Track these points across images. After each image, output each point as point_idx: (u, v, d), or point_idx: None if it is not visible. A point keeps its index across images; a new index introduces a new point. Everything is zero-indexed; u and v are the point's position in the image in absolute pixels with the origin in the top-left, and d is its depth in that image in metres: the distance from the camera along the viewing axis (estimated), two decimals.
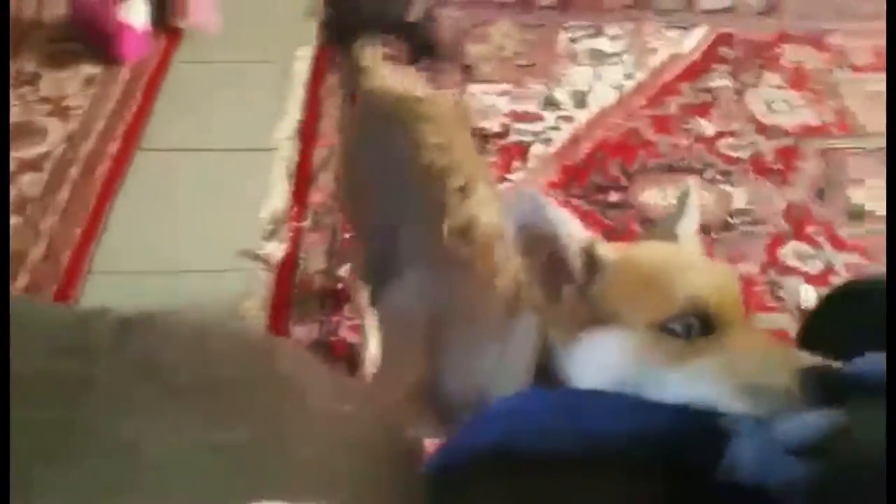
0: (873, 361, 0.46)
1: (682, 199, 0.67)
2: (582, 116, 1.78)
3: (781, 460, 0.43)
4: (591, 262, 0.57)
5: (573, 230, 0.58)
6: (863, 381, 0.46)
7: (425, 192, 0.84)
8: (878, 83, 1.95)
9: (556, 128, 1.74)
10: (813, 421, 0.44)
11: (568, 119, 1.77)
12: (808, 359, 0.49)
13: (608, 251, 0.58)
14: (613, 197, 1.57)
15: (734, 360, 0.50)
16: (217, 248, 1.39)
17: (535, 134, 1.72)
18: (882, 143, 1.74)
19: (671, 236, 0.64)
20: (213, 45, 1.86)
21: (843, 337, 0.63)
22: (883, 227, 1.52)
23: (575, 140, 1.70)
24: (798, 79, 1.94)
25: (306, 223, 1.43)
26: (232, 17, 1.88)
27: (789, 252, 1.47)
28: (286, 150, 1.60)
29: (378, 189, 0.93)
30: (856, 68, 2.00)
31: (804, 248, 1.48)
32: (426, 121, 0.92)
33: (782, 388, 0.47)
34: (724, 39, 2.07)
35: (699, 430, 0.47)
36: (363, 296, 1.14)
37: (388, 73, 1.05)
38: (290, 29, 1.94)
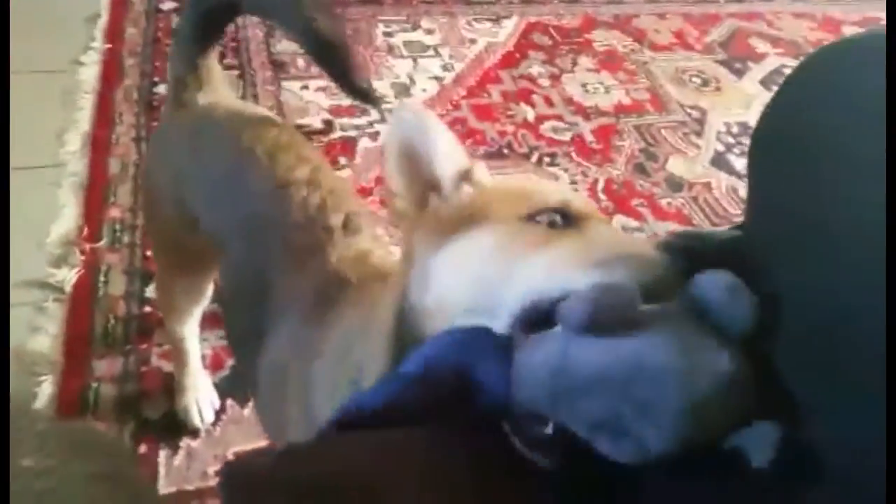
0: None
1: None
2: None
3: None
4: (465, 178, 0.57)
5: (452, 151, 0.57)
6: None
7: (300, 236, 0.73)
8: (682, 61, 2.05)
9: (382, 120, 1.67)
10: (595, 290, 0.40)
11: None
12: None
13: (485, 174, 0.57)
14: None
15: (594, 241, 0.49)
16: None
17: (360, 128, 1.64)
18: (690, 115, 1.82)
19: None
20: None
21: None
22: (701, 193, 1.58)
23: None
24: (610, 61, 2.00)
25: (102, 243, 1.26)
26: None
27: (616, 226, 1.48)
28: (75, 164, 1.41)
29: (233, 233, 0.78)
30: (660, 48, 2.10)
31: (629, 221, 1.50)
32: (285, 150, 0.79)
33: (641, 256, 0.46)
34: (536, 28, 2.10)
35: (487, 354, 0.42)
36: (180, 325, 1.01)
37: (223, 85, 0.90)
38: (72, 34, 1.74)
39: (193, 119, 0.86)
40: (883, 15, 2.48)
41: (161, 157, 0.89)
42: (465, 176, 0.56)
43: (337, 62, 0.82)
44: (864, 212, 0.40)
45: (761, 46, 2.17)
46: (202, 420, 1.03)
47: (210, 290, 0.98)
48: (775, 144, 0.52)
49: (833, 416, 0.39)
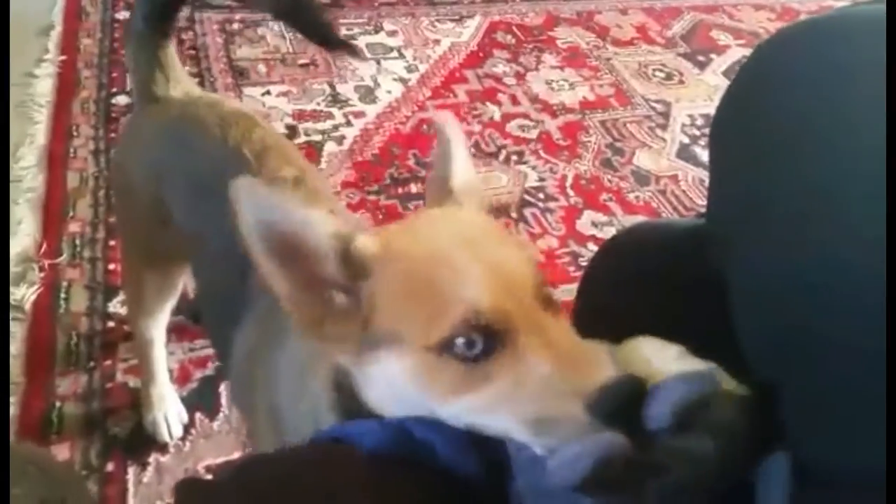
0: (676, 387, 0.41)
1: (442, 138, 0.57)
2: (371, 111, 1.71)
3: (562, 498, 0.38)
4: (350, 259, 0.47)
5: (317, 221, 0.47)
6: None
7: None
8: (645, 55, 2.06)
9: (347, 124, 1.65)
10: (586, 450, 0.39)
11: (358, 115, 1.69)
12: (605, 368, 0.42)
13: (369, 244, 0.48)
14: (414, 188, 1.51)
15: (520, 388, 0.43)
16: None
17: (325, 132, 1.62)
18: (655, 109, 1.83)
19: (446, 193, 0.55)
20: None
21: (621, 287, 0.60)
22: (668, 186, 1.59)
23: (366, 136, 1.62)
24: (573, 58, 2.01)
25: (62, 258, 1.23)
26: None
27: (586, 222, 1.48)
28: (31, 179, 1.37)
29: (214, 226, 0.73)
30: (622, 43, 2.11)
31: (598, 216, 1.50)
32: (272, 151, 0.78)
33: (570, 418, 0.41)
34: (499, 26, 2.10)
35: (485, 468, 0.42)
36: (148, 327, 0.98)
37: (186, 75, 0.89)
38: (25, 46, 1.69)
39: (171, 114, 0.85)
40: (838, 5, 2.51)
41: (135, 152, 0.88)
42: (346, 246, 0.47)
43: (310, 18, 0.82)
44: (822, 184, 0.39)
45: (723, 38, 2.19)
46: (171, 435, 1.01)
47: (179, 286, 0.96)
48: (732, 129, 0.51)
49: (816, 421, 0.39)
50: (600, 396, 0.40)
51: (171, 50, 0.88)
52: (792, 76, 0.45)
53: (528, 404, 0.42)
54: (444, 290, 0.44)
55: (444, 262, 0.45)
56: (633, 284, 0.58)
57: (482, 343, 0.43)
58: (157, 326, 1.00)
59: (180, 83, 0.88)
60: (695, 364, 0.42)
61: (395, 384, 0.46)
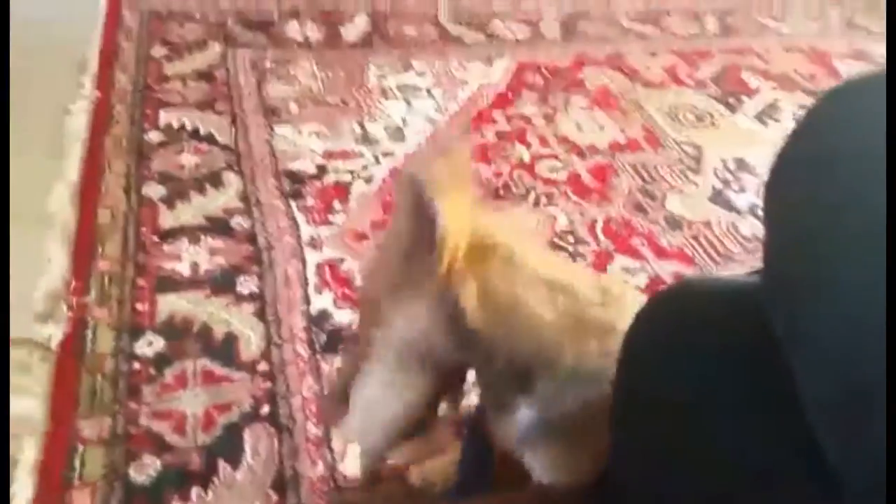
0: None
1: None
2: (400, 151, 1.70)
3: None
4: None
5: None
6: None
7: None
8: (675, 97, 2.05)
9: (376, 163, 1.65)
10: None
11: (387, 154, 1.68)
12: None
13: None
14: None
15: None
16: None
17: (354, 172, 1.62)
18: (686, 152, 1.81)
19: None
20: None
21: (669, 343, 0.57)
22: (701, 231, 1.56)
23: (395, 176, 1.62)
24: (603, 99, 2.00)
25: (90, 297, 1.22)
26: None
27: (617, 267, 1.45)
28: (63, 215, 1.37)
29: None
30: (652, 85, 2.10)
31: (630, 261, 1.47)
32: None
33: None
34: (528, 67, 2.10)
35: None
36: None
37: None
38: (60, 82, 1.72)
39: None
40: (870, 47, 2.49)
41: None
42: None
43: None
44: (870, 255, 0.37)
45: (754, 81, 2.17)
46: None
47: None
48: (786, 188, 0.49)
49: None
50: None
51: None
52: (843, 139, 0.44)
53: None
54: None
55: None
56: (680, 360, 0.55)
57: None
58: None
59: None
60: None
61: None
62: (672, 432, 0.46)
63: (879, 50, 2.47)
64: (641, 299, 0.64)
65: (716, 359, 0.50)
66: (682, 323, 0.56)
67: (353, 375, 0.79)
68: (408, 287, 0.72)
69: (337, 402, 0.82)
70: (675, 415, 0.43)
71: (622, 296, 0.76)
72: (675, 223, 1.58)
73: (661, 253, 1.50)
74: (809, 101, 2.07)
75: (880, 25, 2.67)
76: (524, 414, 0.76)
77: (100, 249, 1.32)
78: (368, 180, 1.60)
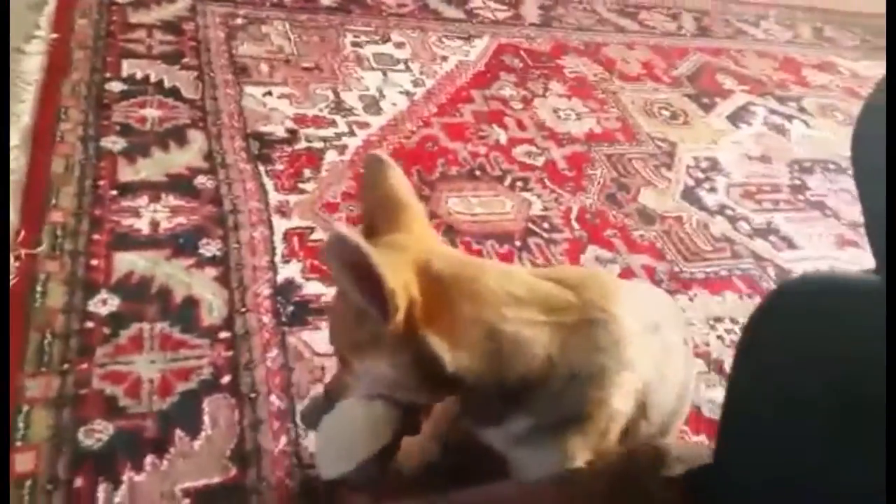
0: None
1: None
2: (375, 123, 1.65)
3: None
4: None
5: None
6: None
7: None
8: (651, 92, 2.05)
9: (350, 133, 1.59)
10: None
11: (362, 125, 1.63)
12: None
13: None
14: None
15: None
16: None
17: (327, 140, 1.56)
18: (660, 147, 1.81)
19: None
20: None
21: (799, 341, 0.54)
22: (672, 227, 1.56)
23: (369, 147, 1.56)
24: (580, 88, 1.98)
25: (41, 249, 1.14)
26: None
27: (590, 257, 1.44)
28: (15, 161, 1.28)
29: None
30: (629, 78, 2.09)
31: (603, 252, 1.46)
32: None
33: None
34: (507, 49, 2.07)
35: None
36: None
37: None
38: (15, 19, 1.60)
39: None
40: (838, 60, 2.54)
41: None
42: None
43: None
44: None
45: (728, 83, 2.19)
46: None
47: None
48: None
49: None
50: None
51: None
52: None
53: None
54: None
55: None
56: (813, 360, 0.52)
57: None
58: None
59: None
60: None
61: None
62: (797, 427, 0.44)
63: (846, 63, 2.52)
64: (603, 275, 0.64)
65: (849, 359, 0.48)
66: (811, 321, 0.54)
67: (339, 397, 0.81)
68: (368, 344, 0.71)
69: (319, 412, 0.83)
70: (803, 410, 0.41)
71: (585, 279, 0.76)
72: (647, 217, 1.57)
73: (633, 246, 1.49)
74: (780, 107, 2.10)
75: (852, 39, 2.73)
76: (518, 424, 0.75)
77: (52, 200, 1.24)
78: (342, 150, 1.54)
